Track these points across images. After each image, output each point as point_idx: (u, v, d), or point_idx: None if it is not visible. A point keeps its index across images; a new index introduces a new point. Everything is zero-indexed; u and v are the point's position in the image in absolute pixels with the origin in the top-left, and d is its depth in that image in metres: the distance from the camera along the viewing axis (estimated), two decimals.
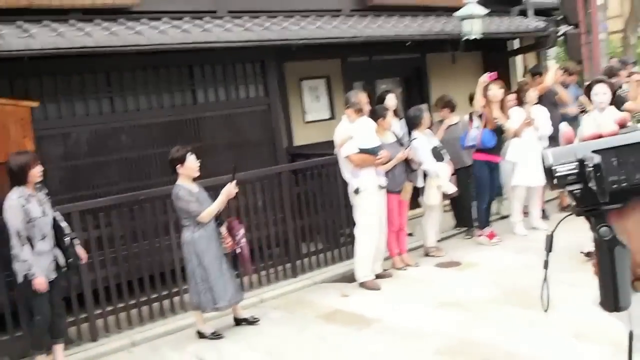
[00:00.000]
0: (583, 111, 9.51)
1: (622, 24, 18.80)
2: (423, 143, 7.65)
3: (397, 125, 7.95)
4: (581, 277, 5.91)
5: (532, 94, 8.34)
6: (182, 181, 5.73)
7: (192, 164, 5.74)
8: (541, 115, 8.31)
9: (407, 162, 7.35)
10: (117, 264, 6.23)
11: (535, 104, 8.38)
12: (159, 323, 6.36)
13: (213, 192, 5.97)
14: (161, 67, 7.39)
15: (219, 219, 5.86)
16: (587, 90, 7.16)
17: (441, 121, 8.58)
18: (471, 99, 8.51)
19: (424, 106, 8.06)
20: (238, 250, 5.97)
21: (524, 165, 8.12)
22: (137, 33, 6.70)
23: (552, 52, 17.12)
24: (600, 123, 6.54)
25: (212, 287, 5.73)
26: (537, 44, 11.68)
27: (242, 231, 6.02)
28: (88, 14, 6.99)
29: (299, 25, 8.15)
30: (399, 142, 7.41)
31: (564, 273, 6.30)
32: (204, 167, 7.42)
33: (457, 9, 9.62)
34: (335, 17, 9.03)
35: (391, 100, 8.04)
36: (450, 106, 8.48)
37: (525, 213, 8.55)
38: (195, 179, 5.84)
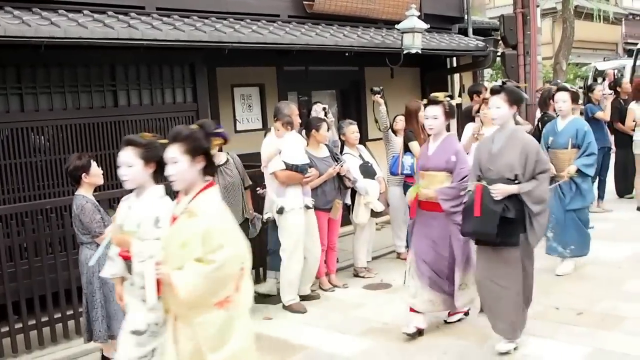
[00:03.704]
0: None
1: (552, 51, 19.17)
2: (351, 159, 7.31)
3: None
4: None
5: (488, 112, 8.05)
6: (85, 192, 5.11)
7: (97, 171, 5.13)
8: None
9: (340, 179, 6.99)
10: (3, 283, 5.58)
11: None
12: (48, 351, 5.78)
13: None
14: (79, 65, 6.82)
15: None
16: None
17: None
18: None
19: (348, 121, 7.68)
20: None
21: None
22: (52, 24, 6.12)
23: (486, 73, 17.30)
24: None
25: (110, 315, 5.05)
26: (475, 63, 11.60)
27: None
28: None
29: (233, 27, 7.72)
30: (333, 157, 7.03)
31: None
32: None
33: (397, 22, 9.43)
34: (272, 22, 8.64)
35: (317, 111, 7.64)
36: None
37: None
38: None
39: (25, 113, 6.48)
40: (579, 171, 6.80)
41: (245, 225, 6.20)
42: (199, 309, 3.36)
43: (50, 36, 5.97)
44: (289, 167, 6.38)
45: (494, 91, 5.00)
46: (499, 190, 4.74)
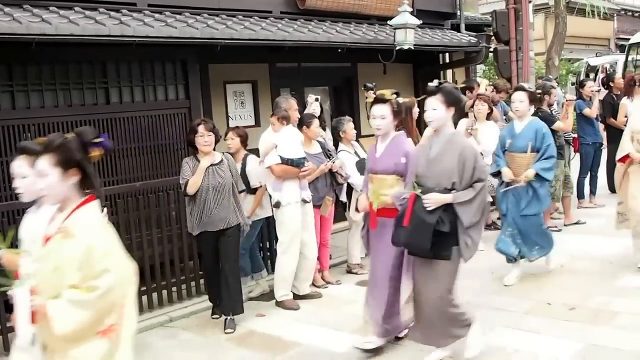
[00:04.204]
0: None
1: (544, 47, 19.19)
2: (347, 156, 7.31)
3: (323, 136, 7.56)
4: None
5: (482, 107, 8.09)
6: None
7: None
8: (488, 130, 8.02)
9: (332, 175, 6.98)
10: None
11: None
12: None
13: None
14: (71, 62, 6.79)
15: None
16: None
17: None
18: None
19: (347, 118, 7.67)
20: None
21: None
22: (43, 21, 6.08)
23: (479, 68, 17.29)
24: None
25: None
26: (468, 58, 11.60)
27: None
28: None
29: (225, 24, 7.69)
30: (326, 153, 7.03)
31: None
32: (117, 173, 6.97)
33: (389, 18, 9.44)
34: (264, 18, 8.62)
35: (311, 102, 7.54)
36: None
37: None
38: None
39: (17, 110, 6.45)
40: (537, 175, 6.45)
41: (237, 228, 6.15)
42: (78, 342, 2.91)
43: (41, 33, 5.94)
44: (285, 161, 6.37)
45: (430, 92, 4.61)
46: (432, 200, 4.43)
